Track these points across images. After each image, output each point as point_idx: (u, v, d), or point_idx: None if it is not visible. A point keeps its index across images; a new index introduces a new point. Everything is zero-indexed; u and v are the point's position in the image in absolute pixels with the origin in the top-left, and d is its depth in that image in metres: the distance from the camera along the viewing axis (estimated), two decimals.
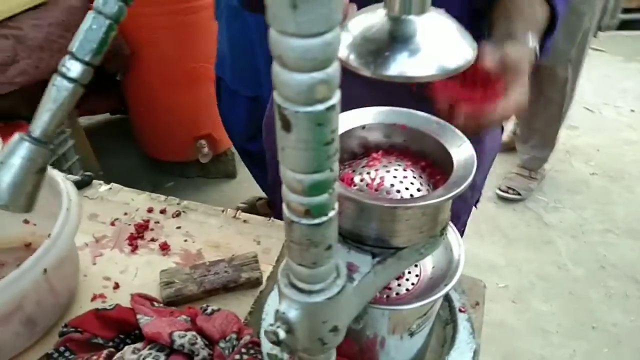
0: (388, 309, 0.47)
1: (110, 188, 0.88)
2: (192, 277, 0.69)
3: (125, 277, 0.72)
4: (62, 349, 0.58)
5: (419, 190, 0.44)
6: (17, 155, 0.42)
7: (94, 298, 0.68)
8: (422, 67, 0.35)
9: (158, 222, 0.80)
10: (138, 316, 0.58)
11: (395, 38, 0.35)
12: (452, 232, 0.54)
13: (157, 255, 0.75)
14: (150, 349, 0.54)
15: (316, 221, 0.32)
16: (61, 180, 0.66)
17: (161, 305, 0.64)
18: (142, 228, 0.78)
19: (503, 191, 2.16)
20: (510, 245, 1.99)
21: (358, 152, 0.50)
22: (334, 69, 0.26)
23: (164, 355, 0.53)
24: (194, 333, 0.55)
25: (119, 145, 2.36)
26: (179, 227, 0.79)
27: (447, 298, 0.66)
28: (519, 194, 2.15)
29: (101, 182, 0.89)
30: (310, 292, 0.37)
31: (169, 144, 2.11)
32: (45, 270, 0.55)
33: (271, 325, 0.37)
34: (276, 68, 0.26)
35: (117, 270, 0.73)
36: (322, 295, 0.36)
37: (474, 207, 1.06)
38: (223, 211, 0.82)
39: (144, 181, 2.18)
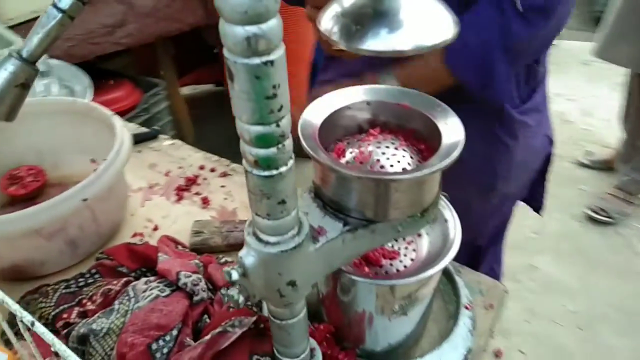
0: (363, 280, 0.48)
1: (173, 143, 0.96)
2: (219, 231, 0.74)
3: (165, 221, 0.79)
4: (93, 271, 0.66)
5: (403, 169, 0.44)
6: (3, 69, 0.48)
7: (134, 235, 0.76)
8: (397, 42, 0.35)
9: (206, 179, 0.87)
10: (159, 254, 0.64)
11: (377, 13, 0.36)
12: (451, 217, 0.53)
13: (197, 208, 0.81)
14: (159, 282, 0.60)
15: (265, 173, 0.34)
16: (119, 128, 0.74)
17: (185, 249, 0.70)
18: (190, 182, 0.85)
19: (594, 211, 2.00)
20: (590, 269, 1.85)
21: (364, 128, 0.51)
22: (269, 26, 0.28)
23: (169, 289, 0.59)
24: (199, 276, 0.60)
25: (216, 115, 2.52)
26: (222, 186, 0.85)
27: (455, 293, 0.65)
28: (611, 217, 1.98)
29: (167, 136, 0.97)
30: (266, 243, 0.39)
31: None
32: (85, 200, 0.63)
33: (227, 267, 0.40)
34: (220, 19, 0.29)
35: (160, 214, 0.80)
36: (276, 247, 0.39)
37: (539, 217, 1.01)
38: None
39: (231, 152, 2.31)
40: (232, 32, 0.28)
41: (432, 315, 0.61)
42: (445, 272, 0.69)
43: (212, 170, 0.89)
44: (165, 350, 0.53)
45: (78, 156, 0.83)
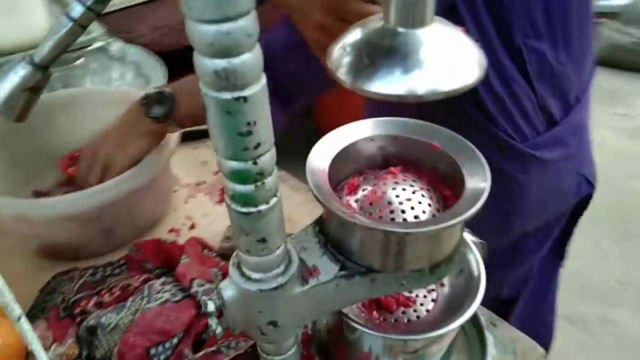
0: (362, 329, 0.44)
1: None
2: None
3: (204, 221, 0.79)
4: (122, 262, 0.68)
5: (415, 217, 0.40)
6: (16, 73, 0.50)
7: (170, 230, 0.77)
8: (402, 86, 0.31)
9: None
10: (183, 256, 0.65)
11: (390, 51, 0.32)
12: (476, 270, 0.48)
13: None
14: (174, 286, 0.60)
15: (243, 210, 0.32)
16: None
17: (211, 253, 0.70)
18: None
19: None
20: None
21: (389, 162, 0.47)
22: (242, 60, 0.26)
23: (181, 295, 0.59)
24: (212, 287, 0.59)
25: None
26: None
27: (482, 350, 0.59)
28: None
29: None
30: (247, 278, 0.37)
31: (332, 116, 2.19)
32: (121, 194, 0.64)
33: (207, 296, 0.38)
34: None
35: (201, 213, 0.81)
36: (257, 284, 0.37)
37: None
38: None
39: (301, 144, 2.32)
40: (200, 63, 0.26)
41: None
42: (476, 324, 0.63)
43: None
44: (162, 357, 0.53)
45: None
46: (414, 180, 0.43)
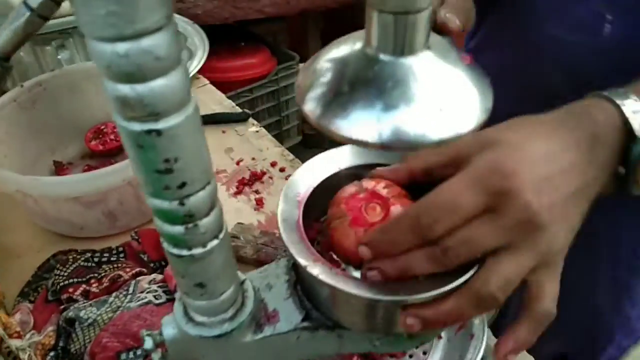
0: None
1: (257, 131, 0.92)
2: (255, 241, 0.68)
3: None
4: (120, 249, 0.66)
5: None
6: None
7: None
8: (378, 129, 0.25)
9: (271, 178, 0.82)
10: None
11: (367, 84, 0.25)
12: (480, 332, 0.41)
13: (250, 207, 0.77)
14: (160, 286, 0.57)
15: (174, 251, 0.27)
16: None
17: None
18: (254, 177, 0.81)
19: None
20: None
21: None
22: (148, 88, 0.20)
23: (165, 297, 0.56)
24: None
25: None
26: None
27: None
28: None
29: (254, 122, 0.94)
30: (190, 319, 0.32)
31: None
32: (124, 179, 0.61)
33: (149, 331, 0.34)
34: None
35: None
36: (198, 329, 0.32)
37: None
38: None
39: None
40: (105, 86, 0.21)
41: None
42: None
43: (282, 170, 0.83)
44: None
45: None
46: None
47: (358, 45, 0.26)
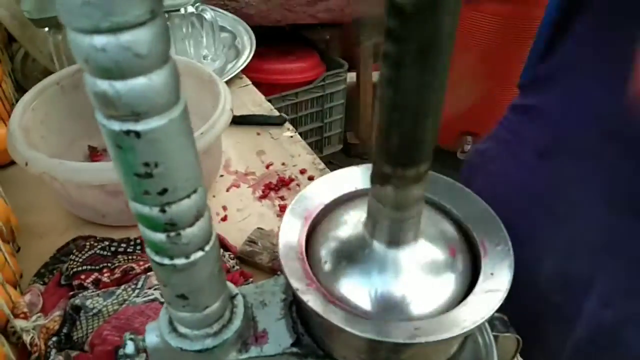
0: None
1: (292, 136, 0.91)
2: (272, 249, 0.67)
3: (237, 215, 0.75)
4: (138, 241, 0.65)
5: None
6: None
7: None
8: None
9: (299, 185, 0.80)
10: None
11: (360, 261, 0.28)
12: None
13: (272, 213, 0.75)
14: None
15: (156, 258, 0.26)
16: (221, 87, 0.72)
17: (228, 255, 0.65)
18: (281, 183, 0.80)
19: None
20: None
21: None
22: (128, 87, 0.19)
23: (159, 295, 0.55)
24: None
25: None
26: None
27: None
28: None
29: (290, 127, 0.93)
30: (172, 330, 0.31)
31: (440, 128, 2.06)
32: None
33: (133, 335, 0.33)
34: None
35: (237, 206, 0.76)
36: (180, 341, 0.30)
37: None
38: None
39: None
40: (85, 81, 0.20)
41: None
42: None
43: (310, 178, 0.81)
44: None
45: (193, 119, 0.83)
46: None
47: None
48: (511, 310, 0.73)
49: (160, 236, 0.24)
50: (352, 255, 0.30)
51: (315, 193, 0.36)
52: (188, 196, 0.23)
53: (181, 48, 1.08)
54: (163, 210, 0.23)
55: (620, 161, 0.54)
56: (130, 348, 0.32)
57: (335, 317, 0.27)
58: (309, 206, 0.35)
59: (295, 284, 0.29)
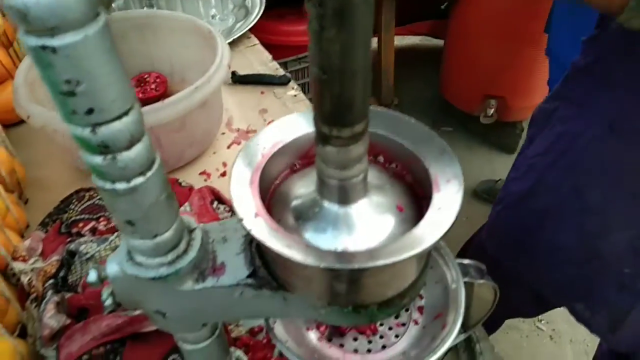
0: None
1: (295, 95, 0.90)
2: None
3: None
4: None
5: None
6: None
7: (202, 173, 0.75)
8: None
9: None
10: (185, 204, 0.62)
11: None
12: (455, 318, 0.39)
13: None
14: None
15: (99, 183, 0.27)
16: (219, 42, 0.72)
17: (223, 208, 0.66)
18: None
19: None
20: None
21: None
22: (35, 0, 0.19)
23: None
24: None
25: (418, 74, 2.38)
26: None
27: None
28: None
29: (294, 87, 0.92)
30: (130, 259, 0.32)
31: (460, 89, 2.01)
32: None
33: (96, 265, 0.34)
34: None
35: None
36: (136, 269, 0.32)
37: None
38: None
39: (427, 116, 2.18)
40: None
41: None
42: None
43: None
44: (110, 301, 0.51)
45: (193, 74, 0.83)
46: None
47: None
48: (575, 276, 0.74)
49: (97, 159, 0.25)
50: (304, 214, 0.31)
51: (277, 132, 0.36)
52: (119, 118, 0.24)
53: (191, 7, 1.08)
54: (94, 132, 0.24)
55: None
56: (92, 276, 0.33)
57: (278, 245, 0.28)
58: (268, 144, 0.35)
59: (241, 213, 0.29)
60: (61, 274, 0.56)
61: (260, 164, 0.33)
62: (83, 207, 0.64)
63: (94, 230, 0.60)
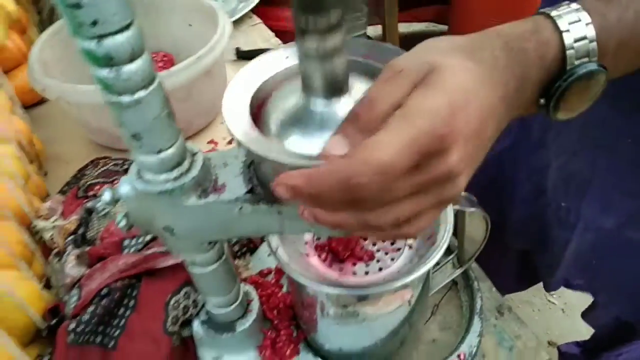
0: (293, 275, 0.41)
1: None
2: None
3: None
4: None
5: None
6: None
7: (210, 142, 0.79)
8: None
9: None
10: None
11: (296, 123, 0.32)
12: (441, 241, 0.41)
13: None
14: None
15: (106, 96, 0.30)
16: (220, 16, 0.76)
17: None
18: None
19: None
20: None
21: None
22: None
23: None
24: None
25: None
26: None
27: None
28: None
29: None
30: (139, 177, 0.35)
31: None
32: None
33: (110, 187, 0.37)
34: None
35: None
36: (144, 184, 0.35)
37: None
38: None
39: None
40: None
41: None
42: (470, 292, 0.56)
43: None
44: (132, 249, 0.55)
45: (197, 48, 0.87)
46: None
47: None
48: (522, 218, 0.73)
49: (104, 72, 0.28)
50: (293, 117, 0.34)
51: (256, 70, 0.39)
52: (120, 31, 0.27)
53: None
54: (99, 43, 0.27)
55: None
56: (107, 196, 0.36)
57: (265, 151, 0.31)
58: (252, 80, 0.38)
59: (232, 128, 0.33)
60: (80, 230, 0.60)
61: (253, 86, 0.36)
62: (98, 172, 0.68)
63: None
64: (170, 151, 0.34)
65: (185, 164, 0.35)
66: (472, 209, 0.46)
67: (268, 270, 0.57)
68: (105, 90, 0.30)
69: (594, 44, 0.32)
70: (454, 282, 0.59)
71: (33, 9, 1.06)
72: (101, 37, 0.27)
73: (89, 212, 0.60)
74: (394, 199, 0.28)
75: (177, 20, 0.87)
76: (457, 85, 0.28)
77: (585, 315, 0.88)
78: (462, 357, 0.49)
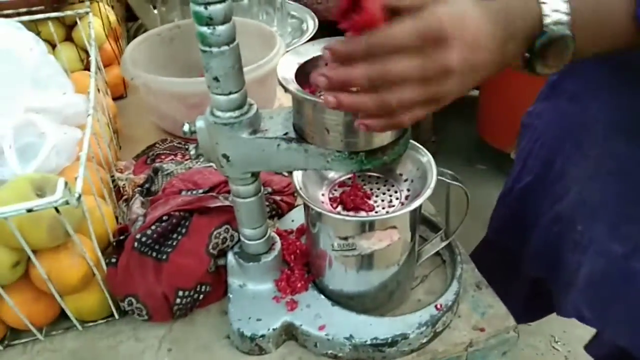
0: (305, 202, 0.54)
1: None
2: None
3: None
4: None
5: None
6: None
7: None
8: None
9: None
10: None
11: None
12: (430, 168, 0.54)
13: None
14: None
15: (201, 47, 0.45)
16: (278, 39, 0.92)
17: None
18: None
19: None
20: None
21: None
22: None
23: None
24: None
25: (458, 112, 2.53)
26: None
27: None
28: None
29: None
30: (212, 114, 0.50)
31: (495, 127, 2.14)
32: None
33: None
34: None
35: None
36: (214, 118, 0.50)
37: None
38: None
39: (463, 154, 2.32)
40: None
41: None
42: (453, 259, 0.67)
43: None
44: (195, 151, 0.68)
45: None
46: None
47: None
48: (542, 244, 0.79)
49: (205, 29, 0.44)
50: None
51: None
52: (220, 2, 0.43)
53: None
54: (206, 7, 0.43)
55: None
56: (186, 127, 0.51)
57: (301, 93, 0.46)
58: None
59: (281, 73, 0.47)
60: (147, 185, 0.75)
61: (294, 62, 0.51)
62: (165, 146, 0.84)
63: (172, 161, 0.80)
64: (237, 95, 0.48)
65: (245, 107, 0.50)
66: (455, 183, 0.59)
67: (290, 230, 0.70)
68: (202, 43, 0.45)
69: (568, 17, 0.42)
70: (442, 261, 0.70)
71: (124, 25, 1.27)
72: (207, 4, 0.42)
73: (156, 171, 0.76)
74: (402, 72, 0.38)
75: (241, 42, 1.05)
76: (458, 4, 0.39)
77: (588, 344, 0.93)
78: (439, 307, 0.60)
